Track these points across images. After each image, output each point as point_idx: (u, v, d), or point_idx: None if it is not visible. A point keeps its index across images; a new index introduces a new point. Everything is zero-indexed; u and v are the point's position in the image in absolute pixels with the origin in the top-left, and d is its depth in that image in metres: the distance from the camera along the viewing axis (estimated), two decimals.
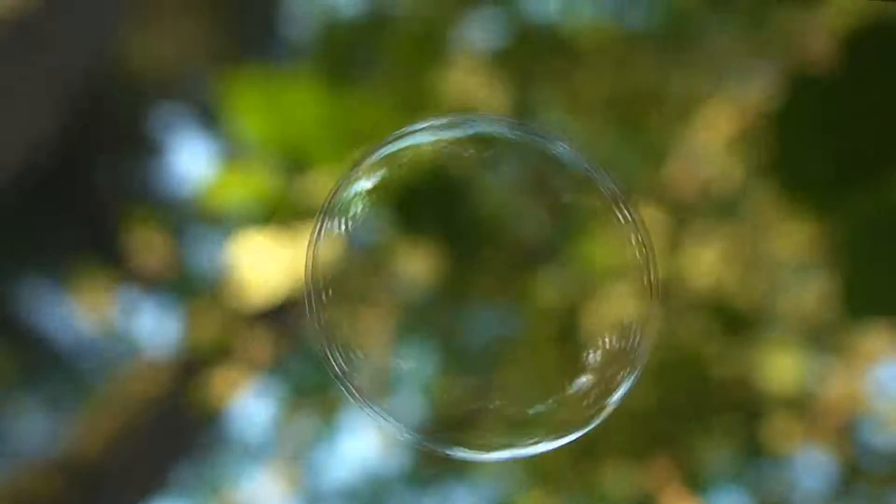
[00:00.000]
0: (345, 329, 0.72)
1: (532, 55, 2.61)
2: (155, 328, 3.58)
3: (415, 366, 0.73)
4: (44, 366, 4.37)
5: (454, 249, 0.78)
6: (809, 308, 2.67)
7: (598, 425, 0.72)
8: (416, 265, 0.82)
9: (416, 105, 2.42)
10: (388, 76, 2.51)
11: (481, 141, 0.75)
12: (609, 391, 0.72)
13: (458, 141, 0.75)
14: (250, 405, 3.36)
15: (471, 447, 0.73)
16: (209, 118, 3.29)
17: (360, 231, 0.73)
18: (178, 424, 3.30)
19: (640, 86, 2.60)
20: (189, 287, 3.08)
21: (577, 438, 0.73)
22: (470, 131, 0.75)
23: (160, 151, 3.63)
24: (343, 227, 0.73)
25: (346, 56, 2.58)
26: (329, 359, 0.72)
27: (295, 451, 3.44)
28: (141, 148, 3.63)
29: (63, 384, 4.44)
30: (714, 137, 2.58)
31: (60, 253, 3.61)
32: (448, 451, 0.73)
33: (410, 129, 0.74)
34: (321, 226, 0.73)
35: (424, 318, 0.76)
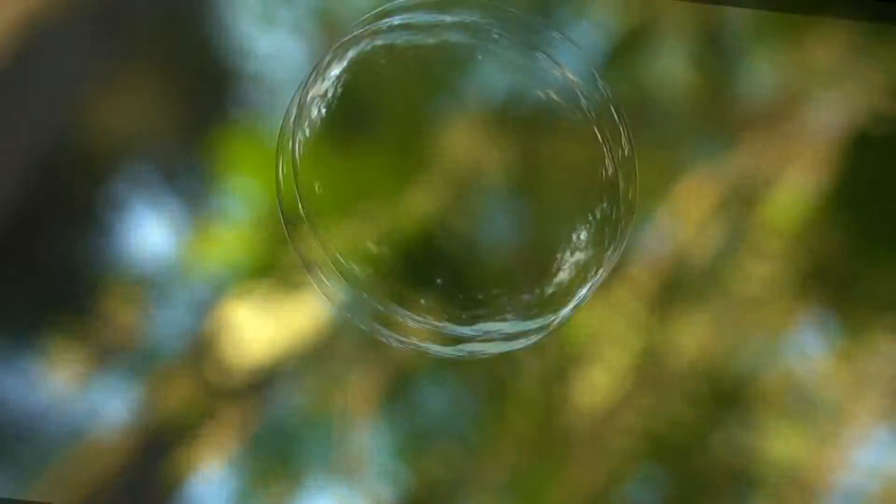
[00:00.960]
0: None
1: None
2: (118, 399, 3.52)
3: None
4: (5, 432, 4.30)
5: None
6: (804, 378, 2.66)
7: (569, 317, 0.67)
8: None
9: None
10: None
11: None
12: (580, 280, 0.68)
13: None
14: (215, 483, 3.30)
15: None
16: (183, 181, 3.27)
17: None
18: (140, 500, 3.23)
19: None
20: (157, 357, 3.03)
21: (547, 326, 0.68)
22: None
23: (127, 216, 3.61)
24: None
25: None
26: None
27: None
28: (107, 212, 3.61)
29: (23, 451, 4.37)
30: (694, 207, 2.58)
31: (22, 317, 3.57)
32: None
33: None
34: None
35: None
